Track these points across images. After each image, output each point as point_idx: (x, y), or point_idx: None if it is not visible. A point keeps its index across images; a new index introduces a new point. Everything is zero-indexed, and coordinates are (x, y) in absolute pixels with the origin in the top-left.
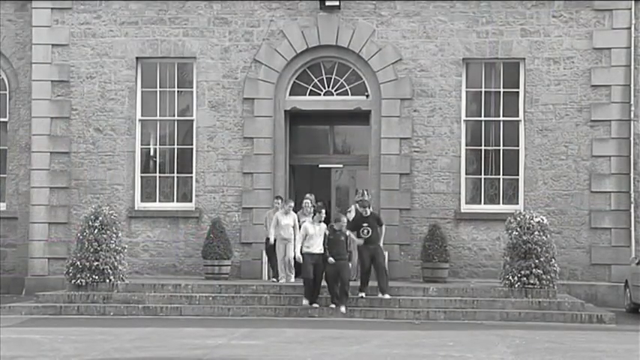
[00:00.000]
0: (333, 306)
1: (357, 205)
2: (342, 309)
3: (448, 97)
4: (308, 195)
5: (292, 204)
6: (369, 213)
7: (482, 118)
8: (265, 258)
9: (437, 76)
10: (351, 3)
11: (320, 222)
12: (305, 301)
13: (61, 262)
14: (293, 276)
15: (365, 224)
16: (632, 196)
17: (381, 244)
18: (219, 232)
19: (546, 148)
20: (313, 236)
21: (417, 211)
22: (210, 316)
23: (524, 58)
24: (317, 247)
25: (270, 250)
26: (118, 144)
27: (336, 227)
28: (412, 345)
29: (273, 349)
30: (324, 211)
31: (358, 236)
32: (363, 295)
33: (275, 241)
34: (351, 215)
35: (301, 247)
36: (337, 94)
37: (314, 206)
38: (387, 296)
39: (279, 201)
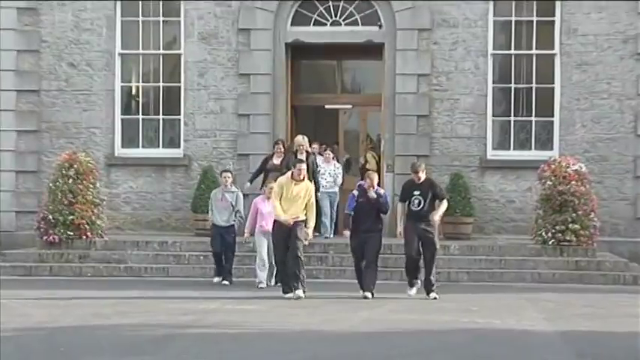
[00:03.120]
0: (362, 292)
1: (371, 153)
2: (367, 294)
3: (473, 27)
4: (301, 138)
5: (273, 185)
6: (423, 178)
7: (512, 52)
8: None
9: (460, 3)
10: None
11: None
12: (289, 294)
13: (31, 216)
14: (274, 279)
15: (417, 192)
16: None
17: (435, 225)
18: (211, 182)
19: (585, 86)
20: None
21: (437, 158)
22: (202, 277)
23: None
24: (289, 212)
25: (217, 242)
26: (95, 81)
27: (365, 186)
28: (430, 310)
29: (274, 315)
30: (304, 165)
31: (408, 209)
32: (413, 292)
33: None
34: (372, 165)
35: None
36: (345, 25)
37: (307, 152)
38: (433, 296)
39: (229, 175)
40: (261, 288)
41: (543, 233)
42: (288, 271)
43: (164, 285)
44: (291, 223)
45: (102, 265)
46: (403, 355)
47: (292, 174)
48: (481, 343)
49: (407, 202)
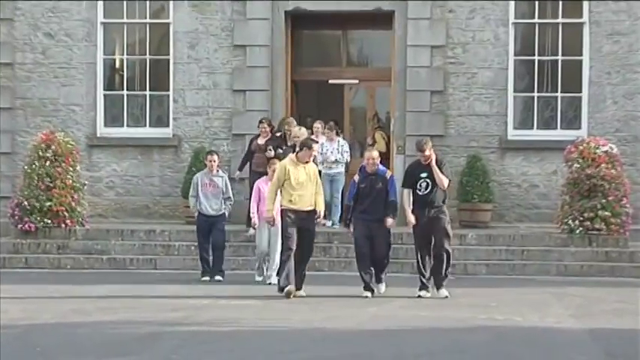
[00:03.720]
0: (368, 294)
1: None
2: (382, 288)
3: None
4: (297, 129)
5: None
6: (430, 157)
7: (536, 20)
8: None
9: None
10: None
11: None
12: (289, 287)
13: (4, 203)
14: (275, 274)
15: (424, 175)
16: None
17: (446, 211)
18: (204, 165)
19: (617, 58)
20: (290, 186)
21: (453, 138)
22: (193, 269)
23: None
24: (302, 201)
25: (203, 231)
26: (74, 53)
27: (369, 169)
28: (445, 305)
29: (273, 311)
30: (316, 146)
31: (414, 194)
32: (423, 294)
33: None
34: (381, 146)
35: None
36: None
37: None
38: (443, 293)
39: (215, 159)
40: (258, 282)
41: (570, 221)
42: (295, 268)
43: (151, 278)
44: (273, 222)
45: (83, 257)
46: (415, 355)
47: (298, 156)
48: (501, 342)
49: (413, 188)
